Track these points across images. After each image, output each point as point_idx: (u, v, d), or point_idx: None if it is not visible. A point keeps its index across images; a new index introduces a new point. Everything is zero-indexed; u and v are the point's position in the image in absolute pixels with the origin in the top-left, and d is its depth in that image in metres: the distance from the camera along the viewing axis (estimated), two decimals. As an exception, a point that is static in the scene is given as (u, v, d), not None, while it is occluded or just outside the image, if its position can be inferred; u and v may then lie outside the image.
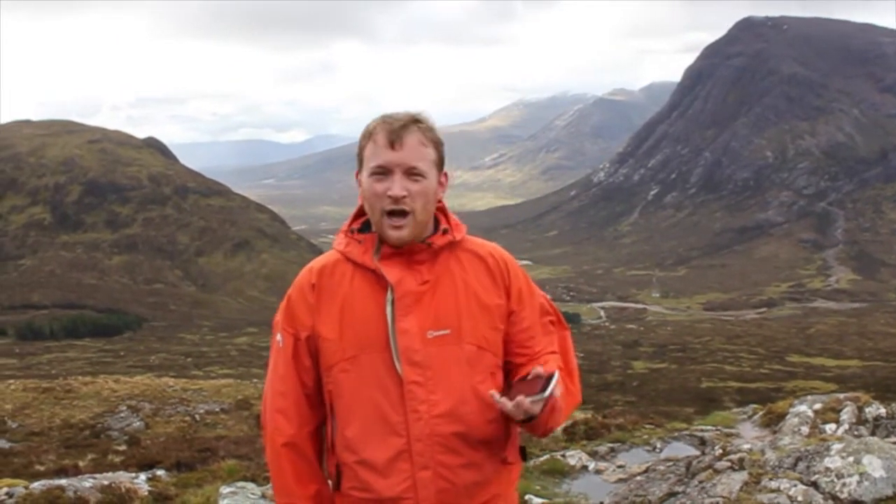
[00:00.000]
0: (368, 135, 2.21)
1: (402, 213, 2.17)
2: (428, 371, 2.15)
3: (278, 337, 2.33)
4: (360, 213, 2.31)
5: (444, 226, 2.28)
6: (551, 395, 2.04)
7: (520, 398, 2.02)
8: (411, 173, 2.16)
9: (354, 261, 2.24)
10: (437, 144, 2.24)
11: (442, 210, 2.31)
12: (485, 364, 2.21)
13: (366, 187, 2.20)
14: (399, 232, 2.17)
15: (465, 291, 2.22)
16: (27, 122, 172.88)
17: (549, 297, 2.42)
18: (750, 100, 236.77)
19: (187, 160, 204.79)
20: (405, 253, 2.21)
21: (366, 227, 2.29)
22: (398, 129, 2.17)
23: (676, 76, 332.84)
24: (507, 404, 2.03)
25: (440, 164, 2.25)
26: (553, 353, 2.31)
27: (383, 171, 2.17)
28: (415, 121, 2.20)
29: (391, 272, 2.19)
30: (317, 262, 2.32)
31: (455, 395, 2.16)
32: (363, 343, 2.17)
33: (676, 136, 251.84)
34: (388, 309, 2.17)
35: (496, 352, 2.24)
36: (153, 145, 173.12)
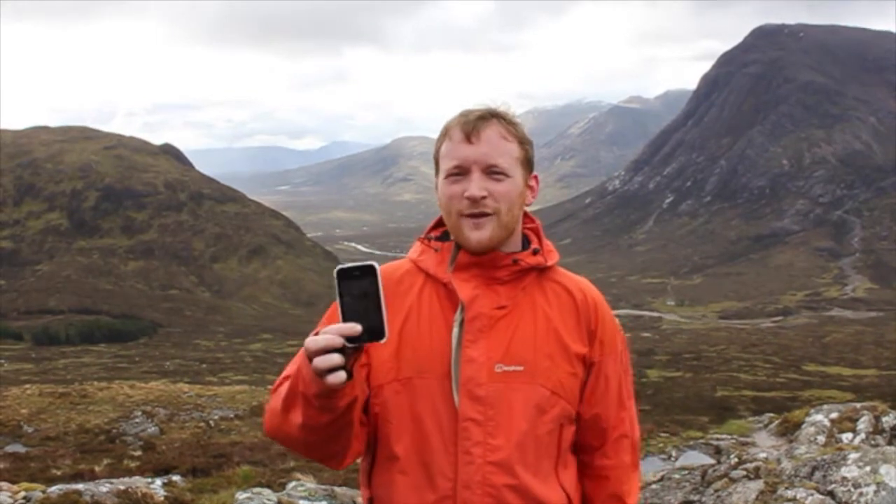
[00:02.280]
0: (444, 133, 1.91)
1: (483, 214, 1.84)
2: (490, 410, 1.81)
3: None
4: (441, 222, 1.99)
5: (535, 245, 1.95)
6: None
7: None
8: (492, 171, 1.84)
9: (426, 271, 1.93)
10: (523, 141, 1.90)
11: (535, 231, 2.00)
12: (556, 413, 1.87)
13: (441, 191, 1.90)
14: (480, 232, 1.84)
15: (544, 326, 1.89)
16: (44, 129, 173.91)
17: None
18: (766, 108, 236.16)
19: (202, 166, 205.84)
20: (485, 264, 1.88)
21: (446, 237, 1.97)
22: (474, 120, 1.86)
23: (691, 84, 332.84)
24: None
25: (528, 163, 1.92)
26: (625, 436, 2.00)
27: (460, 171, 1.86)
28: (494, 114, 1.88)
29: (464, 287, 1.86)
30: (383, 268, 1.92)
31: (516, 442, 1.82)
32: (421, 365, 1.85)
33: (692, 144, 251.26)
34: (456, 331, 1.84)
35: (571, 401, 1.90)
36: (169, 151, 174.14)
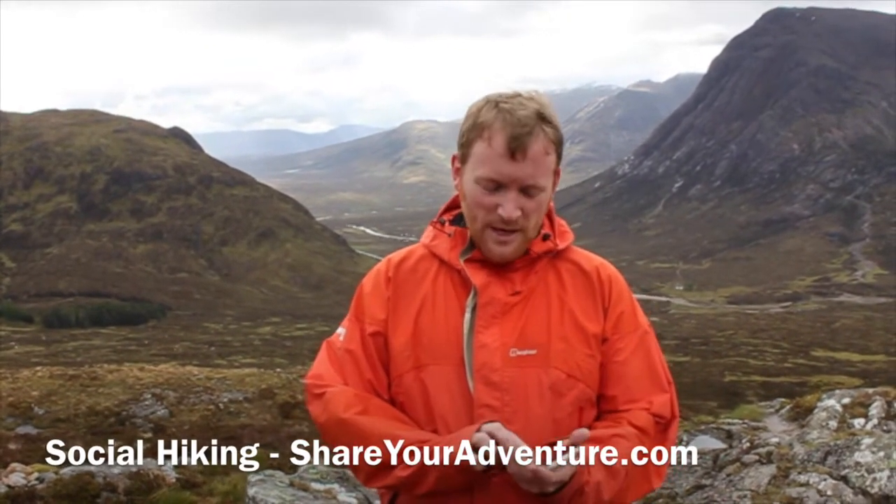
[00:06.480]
0: (480, 128, 1.77)
1: (513, 230, 1.79)
2: (506, 395, 1.76)
3: (339, 330, 1.94)
4: (454, 204, 1.95)
5: (545, 231, 1.89)
6: (579, 467, 1.62)
7: (534, 466, 1.58)
8: (529, 189, 1.77)
9: (440, 257, 1.88)
10: (559, 144, 1.81)
11: (548, 214, 1.92)
12: (574, 396, 1.80)
13: (469, 192, 1.81)
14: (504, 248, 1.80)
15: (559, 309, 1.84)
16: (54, 112, 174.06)
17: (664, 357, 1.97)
18: (777, 92, 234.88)
19: (211, 150, 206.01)
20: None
21: (459, 220, 1.91)
22: (524, 135, 1.73)
23: (702, 68, 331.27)
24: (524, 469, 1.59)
25: (557, 163, 1.84)
26: (646, 410, 1.83)
27: (496, 186, 1.77)
28: (541, 118, 1.76)
29: (478, 273, 1.83)
30: (397, 254, 1.96)
31: (534, 427, 1.75)
32: (437, 352, 1.81)
33: (702, 129, 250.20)
34: (468, 316, 1.81)
35: (590, 383, 1.83)
36: (178, 135, 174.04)
